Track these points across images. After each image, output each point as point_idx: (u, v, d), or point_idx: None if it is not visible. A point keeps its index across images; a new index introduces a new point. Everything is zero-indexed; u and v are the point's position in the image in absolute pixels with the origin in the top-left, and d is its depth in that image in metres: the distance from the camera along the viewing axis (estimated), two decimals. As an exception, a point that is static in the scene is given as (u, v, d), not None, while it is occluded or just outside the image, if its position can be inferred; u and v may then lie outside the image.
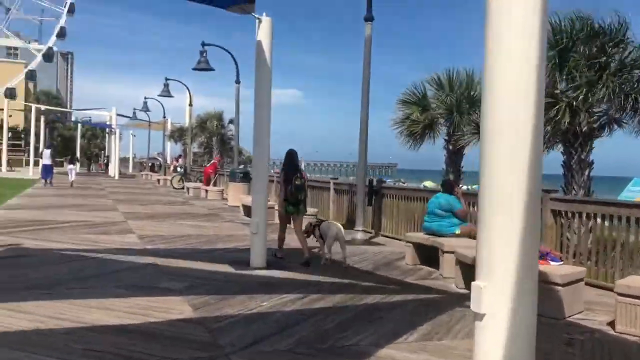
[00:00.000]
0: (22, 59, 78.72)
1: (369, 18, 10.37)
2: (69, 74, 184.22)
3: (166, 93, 28.35)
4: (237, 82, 18.95)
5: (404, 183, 45.01)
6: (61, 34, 74.63)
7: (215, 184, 26.79)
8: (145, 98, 35.97)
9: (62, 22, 74.16)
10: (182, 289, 6.16)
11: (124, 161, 60.22)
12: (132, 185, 29.76)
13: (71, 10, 74.98)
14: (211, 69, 18.96)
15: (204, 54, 18.41)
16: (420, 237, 8.28)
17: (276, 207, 9.22)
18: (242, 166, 20.42)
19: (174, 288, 6.20)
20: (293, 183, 7.95)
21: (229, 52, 19.16)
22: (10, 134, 61.93)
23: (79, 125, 47.97)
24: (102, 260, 7.81)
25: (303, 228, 8.22)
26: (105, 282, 6.46)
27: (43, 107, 44.12)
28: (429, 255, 8.00)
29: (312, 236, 8.18)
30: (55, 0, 73.90)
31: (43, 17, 77.08)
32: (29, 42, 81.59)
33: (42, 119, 43.16)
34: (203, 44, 18.31)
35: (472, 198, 8.51)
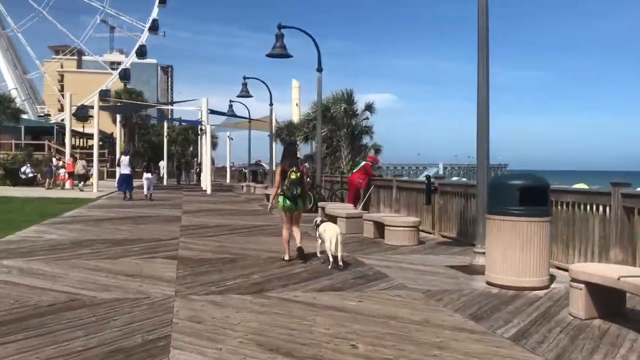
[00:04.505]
0: (122, 71, 74.78)
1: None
2: (169, 86, 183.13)
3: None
4: None
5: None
6: (141, 53, 69.35)
7: (366, 205, 14.84)
8: (244, 78, 25.14)
9: (142, 40, 68.54)
10: None
11: (220, 170, 50.45)
12: (227, 207, 18.91)
13: (153, 28, 69.67)
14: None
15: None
16: None
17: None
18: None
19: None
20: (289, 177, 7.68)
21: None
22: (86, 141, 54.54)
23: (165, 124, 38.30)
24: None
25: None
26: None
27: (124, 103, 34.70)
28: None
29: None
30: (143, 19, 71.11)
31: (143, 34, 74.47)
32: (127, 57, 78.38)
33: (118, 118, 33.74)
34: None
35: None
